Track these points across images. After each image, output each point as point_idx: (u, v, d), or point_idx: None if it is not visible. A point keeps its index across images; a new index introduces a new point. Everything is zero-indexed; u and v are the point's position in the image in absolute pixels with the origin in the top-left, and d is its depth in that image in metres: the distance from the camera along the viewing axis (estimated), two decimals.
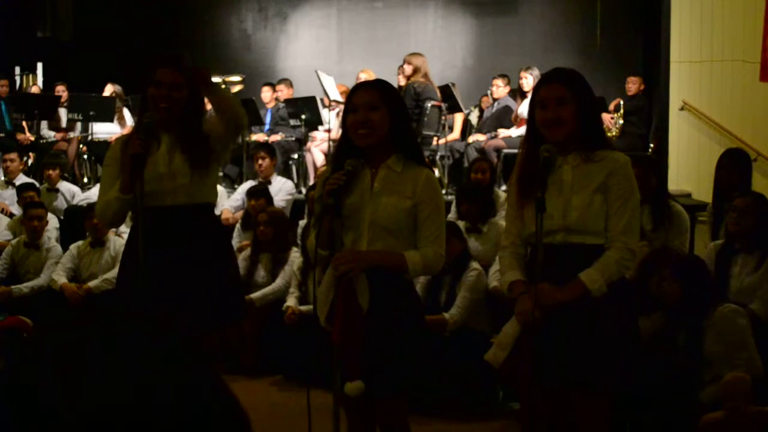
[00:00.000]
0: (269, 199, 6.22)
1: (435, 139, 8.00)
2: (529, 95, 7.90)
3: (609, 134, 8.24)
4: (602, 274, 2.62)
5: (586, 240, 2.68)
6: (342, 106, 7.63)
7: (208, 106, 3.36)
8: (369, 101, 2.68)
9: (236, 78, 10.22)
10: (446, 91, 8.04)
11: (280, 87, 9.33)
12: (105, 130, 8.70)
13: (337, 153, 2.82)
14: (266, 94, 9.49)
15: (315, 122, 8.29)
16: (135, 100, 8.92)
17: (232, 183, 8.48)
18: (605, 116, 8.58)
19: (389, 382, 2.67)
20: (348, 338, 2.59)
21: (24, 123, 9.15)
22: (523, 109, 8.07)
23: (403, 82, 8.07)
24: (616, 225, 2.67)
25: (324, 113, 8.23)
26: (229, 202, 7.04)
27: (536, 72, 8.10)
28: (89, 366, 0.69)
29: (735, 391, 3.33)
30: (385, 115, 2.68)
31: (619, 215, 2.67)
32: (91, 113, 8.41)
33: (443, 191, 7.52)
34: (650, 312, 3.83)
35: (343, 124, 2.77)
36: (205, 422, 0.71)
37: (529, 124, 2.85)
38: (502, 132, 8.07)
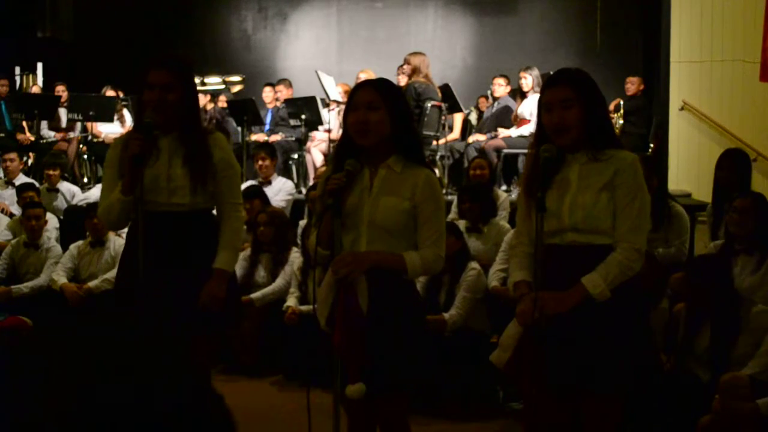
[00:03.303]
0: (264, 199, 6.21)
1: (435, 139, 8.00)
2: (529, 95, 7.99)
3: None
4: (605, 278, 2.59)
5: (593, 240, 2.65)
6: (342, 106, 7.65)
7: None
8: (369, 101, 2.67)
9: (236, 78, 10.24)
10: (446, 91, 8.04)
11: (280, 87, 9.33)
12: (108, 131, 8.70)
13: (338, 152, 2.81)
14: (267, 94, 9.49)
15: (315, 122, 8.29)
16: (135, 100, 8.93)
17: None
18: None
19: (390, 383, 2.67)
20: (349, 341, 2.59)
21: (24, 123, 9.15)
22: (522, 109, 8.07)
23: (403, 82, 8.08)
24: (623, 224, 2.64)
25: (324, 113, 8.23)
26: None
27: (536, 72, 8.10)
28: (84, 366, 0.69)
29: (732, 390, 3.33)
30: (385, 116, 2.67)
31: (626, 214, 2.64)
32: (91, 113, 8.42)
33: (443, 191, 7.54)
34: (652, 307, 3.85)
35: (344, 123, 2.77)
36: (191, 421, 0.71)
37: (538, 125, 2.84)
38: (502, 132, 8.07)
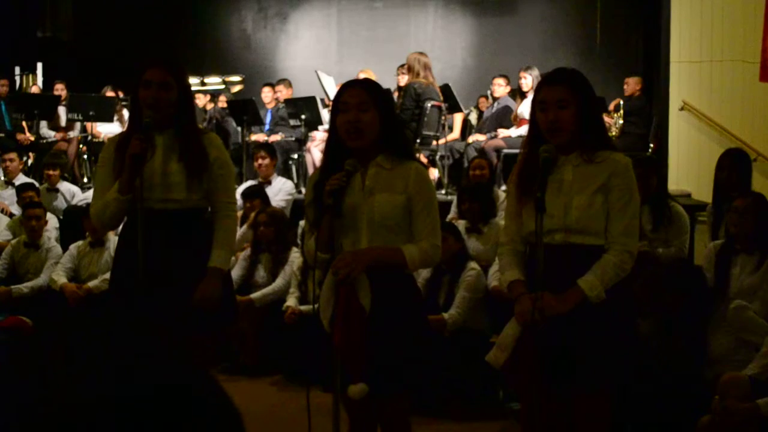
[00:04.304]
0: (264, 199, 6.22)
1: (435, 139, 8.00)
2: (529, 95, 8.00)
3: (609, 134, 8.23)
4: (601, 280, 2.62)
5: (585, 240, 2.68)
6: None
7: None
8: (359, 102, 2.67)
9: (236, 78, 10.24)
10: (446, 91, 8.04)
11: (279, 87, 9.33)
12: (108, 131, 8.70)
13: (328, 154, 2.81)
14: (266, 94, 9.49)
15: (315, 122, 8.29)
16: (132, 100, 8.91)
17: None
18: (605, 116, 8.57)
19: (391, 382, 2.67)
20: (350, 341, 2.59)
21: (24, 123, 9.15)
22: (522, 109, 8.07)
23: (403, 82, 8.08)
24: (617, 227, 2.67)
25: (324, 113, 8.23)
26: None
27: (536, 72, 8.10)
28: (84, 365, 0.69)
29: (732, 390, 3.33)
30: (375, 116, 2.67)
31: (620, 217, 2.67)
32: (91, 113, 8.41)
33: (443, 191, 7.57)
34: (646, 315, 3.85)
35: (332, 124, 2.77)
36: (199, 421, 0.71)
37: (531, 124, 2.84)
38: (502, 132, 8.07)
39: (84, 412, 0.67)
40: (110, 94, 9.15)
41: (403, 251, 2.65)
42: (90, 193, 7.55)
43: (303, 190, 7.65)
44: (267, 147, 7.42)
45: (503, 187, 7.62)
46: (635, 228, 2.73)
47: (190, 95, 3.28)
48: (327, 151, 2.83)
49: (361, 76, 7.97)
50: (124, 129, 3.35)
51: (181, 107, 3.15)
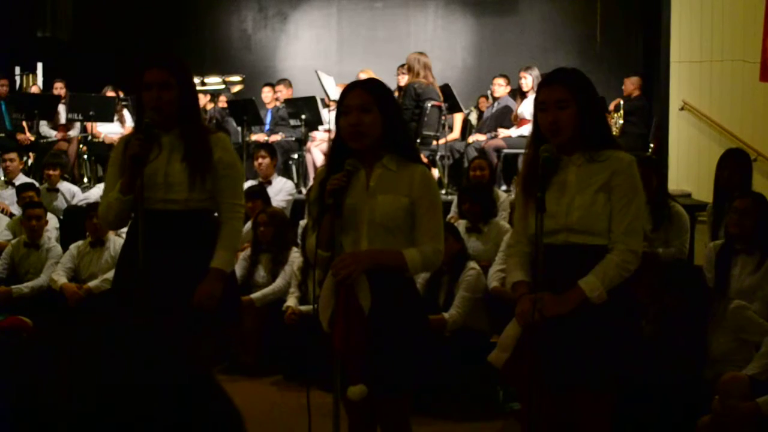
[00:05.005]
0: (265, 199, 6.22)
1: (435, 139, 8.00)
2: (529, 95, 8.00)
3: None
4: (602, 281, 2.60)
5: (588, 240, 2.66)
6: None
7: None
8: (361, 103, 2.66)
9: (236, 78, 10.23)
10: (446, 91, 8.04)
11: (279, 87, 9.33)
12: (108, 131, 8.70)
13: (332, 154, 2.81)
14: (267, 94, 9.49)
15: (315, 122, 8.30)
16: (135, 100, 8.92)
17: None
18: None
19: (391, 383, 2.67)
20: (350, 342, 2.58)
21: (24, 123, 9.15)
22: (523, 109, 8.07)
23: (403, 81, 8.08)
24: (619, 226, 2.65)
25: (324, 113, 8.23)
26: None
27: (536, 72, 8.10)
28: (86, 366, 0.69)
29: (732, 390, 3.33)
30: (378, 117, 2.66)
31: (622, 216, 2.65)
32: (91, 113, 8.42)
33: (443, 191, 7.57)
34: (649, 320, 3.85)
35: (336, 125, 2.77)
36: (200, 422, 0.71)
37: (534, 124, 2.84)
38: (502, 132, 8.08)
39: (84, 413, 0.67)
40: (110, 94, 9.15)
41: (404, 255, 2.65)
42: (90, 192, 7.57)
43: (303, 190, 7.66)
44: (267, 147, 7.43)
45: (503, 187, 7.63)
46: (639, 227, 2.69)
47: (193, 93, 3.23)
48: (332, 151, 2.83)
49: (362, 76, 7.97)
50: (124, 129, 3.36)
51: (183, 105, 3.13)
